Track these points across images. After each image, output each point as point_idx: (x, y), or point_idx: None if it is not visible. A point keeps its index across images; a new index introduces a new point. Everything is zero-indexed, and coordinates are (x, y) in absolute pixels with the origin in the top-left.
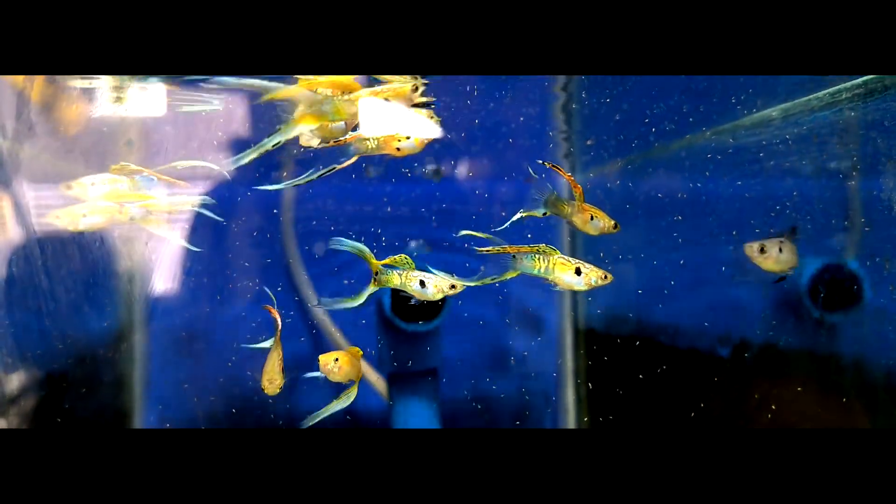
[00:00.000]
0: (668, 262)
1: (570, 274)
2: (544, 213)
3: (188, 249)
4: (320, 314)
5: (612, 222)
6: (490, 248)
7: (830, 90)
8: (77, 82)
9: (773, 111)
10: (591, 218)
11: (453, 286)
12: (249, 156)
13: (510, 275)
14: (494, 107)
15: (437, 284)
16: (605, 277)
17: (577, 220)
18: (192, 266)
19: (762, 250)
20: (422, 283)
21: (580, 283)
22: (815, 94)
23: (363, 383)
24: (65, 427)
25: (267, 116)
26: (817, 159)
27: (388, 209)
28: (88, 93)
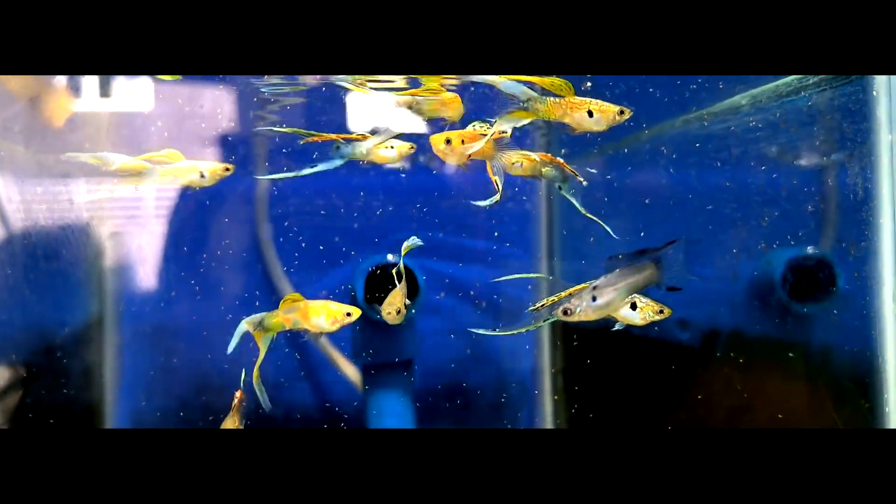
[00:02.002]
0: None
1: (626, 308)
2: (340, 164)
3: (165, 242)
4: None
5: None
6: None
7: (797, 75)
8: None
9: (742, 98)
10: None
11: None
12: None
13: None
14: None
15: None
16: (662, 312)
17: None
18: (168, 259)
19: (565, 313)
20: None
21: (636, 318)
22: (782, 80)
23: (338, 374)
24: (34, 423)
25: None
26: (786, 145)
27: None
28: (74, 84)
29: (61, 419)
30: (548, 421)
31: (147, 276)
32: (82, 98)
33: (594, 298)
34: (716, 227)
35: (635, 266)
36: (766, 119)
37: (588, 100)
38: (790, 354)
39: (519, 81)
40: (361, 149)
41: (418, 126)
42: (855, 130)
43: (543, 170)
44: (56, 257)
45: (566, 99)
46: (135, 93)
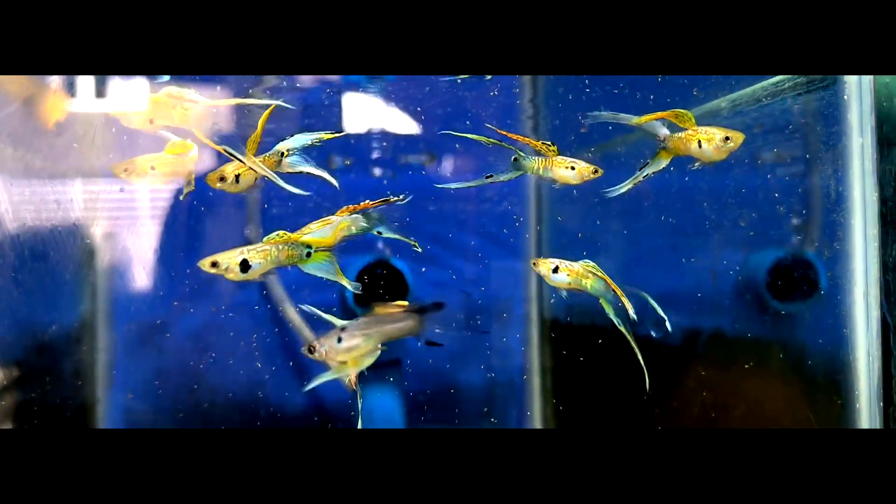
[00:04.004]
0: (628, 253)
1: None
2: (514, 177)
3: (159, 243)
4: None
5: (592, 167)
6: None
7: (773, 80)
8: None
9: (722, 101)
10: (572, 168)
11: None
12: (625, 187)
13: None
14: (461, 99)
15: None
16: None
17: (556, 174)
18: (161, 260)
19: (310, 350)
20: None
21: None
22: (760, 84)
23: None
24: (27, 423)
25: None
26: (763, 148)
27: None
28: (68, 84)
29: (54, 418)
30: (536, 420)
31: (140, 276)
32: (76, 99)
33: (339, 340)
34: (696, 228)
35: (395, 315)
36: (744, 123)
37: (696, 131)
38: (768, 353)
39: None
40: (537, 164)
41: (411, 127)
42: (828, 134)
43: (353, 228)
44: (48, 258)
45: (686, 132)
46: (128, 93)
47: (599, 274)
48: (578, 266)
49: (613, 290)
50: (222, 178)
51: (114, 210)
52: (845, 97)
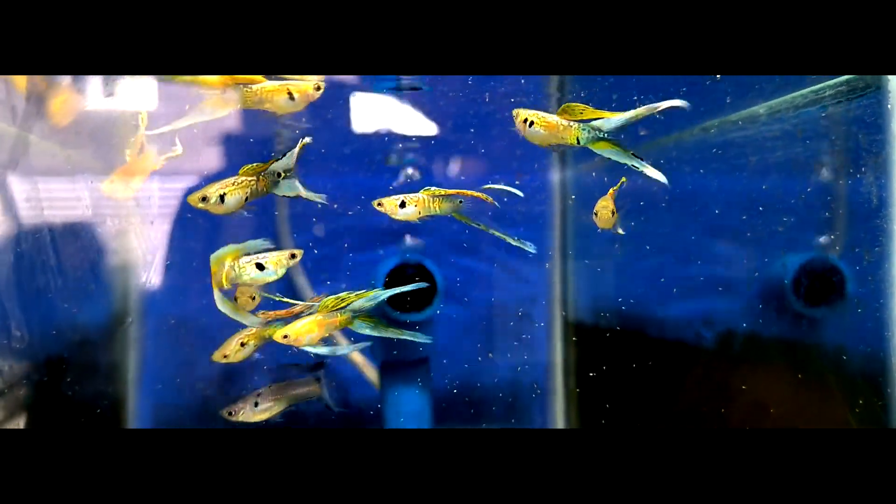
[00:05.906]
0: (656, 256)
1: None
2: None
3: (179, 240)
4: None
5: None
6: None
7: (814, 87)
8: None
9: (760, 108)
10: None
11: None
12: None
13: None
14: (485, 101)
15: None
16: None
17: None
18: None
19: (229, 414)
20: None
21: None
22: (799, 92)
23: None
24: (54, 420)
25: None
26: (802, 155)
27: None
28: (79, 84)
29: (86, 414)
30: (559, 421)
31: (169, 272)
32: (87, 97)
33: (256, 404)
34: (735, 232)
35: (299, 381)
36: (783, 129)
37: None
38: (805, 356)
39: None
40: None
41: (427, 129)
42: (870, 142)
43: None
44: (77, 254)
45: None
46: (140, 92)
47: (443, 192)
48: (421, 195)
49: (463, 197)
50: (204, 199)
51: (146, 206)
52: (889, 106)
